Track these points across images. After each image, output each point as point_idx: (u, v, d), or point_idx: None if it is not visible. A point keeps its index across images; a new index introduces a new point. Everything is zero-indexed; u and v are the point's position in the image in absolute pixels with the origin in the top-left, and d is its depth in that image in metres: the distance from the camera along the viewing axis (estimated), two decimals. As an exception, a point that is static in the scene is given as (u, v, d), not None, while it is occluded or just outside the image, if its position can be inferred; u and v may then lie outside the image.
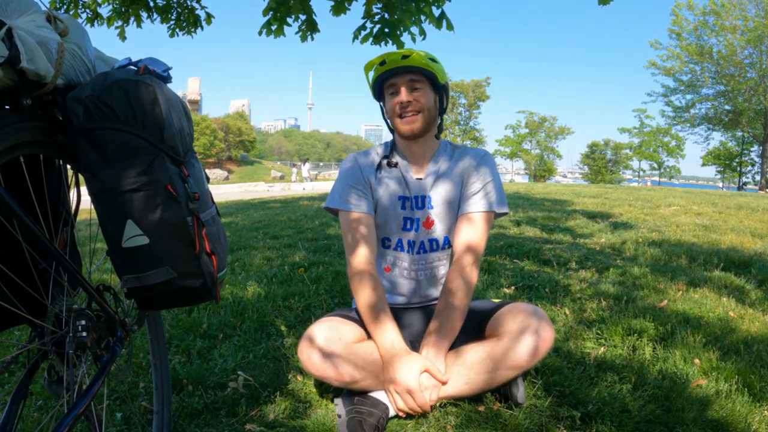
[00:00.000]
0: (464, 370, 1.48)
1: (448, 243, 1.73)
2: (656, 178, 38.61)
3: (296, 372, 1.74)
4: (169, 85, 1.04)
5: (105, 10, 4.59)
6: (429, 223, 1.72)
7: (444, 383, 1.46)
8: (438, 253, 1.74)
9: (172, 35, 4.67)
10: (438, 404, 1.48)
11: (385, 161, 1.74)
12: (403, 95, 1.65)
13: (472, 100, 40.04)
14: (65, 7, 4.49)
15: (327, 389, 1.63)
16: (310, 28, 3.56)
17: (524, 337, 1.48)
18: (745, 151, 32.26)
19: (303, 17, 3.51)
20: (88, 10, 4.56)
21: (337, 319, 1.58)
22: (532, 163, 41.42)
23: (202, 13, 4.70)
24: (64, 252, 1.01)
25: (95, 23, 4.61)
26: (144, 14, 4.54)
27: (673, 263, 3.43)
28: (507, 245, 3.86)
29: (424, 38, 3.54)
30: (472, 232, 1.66)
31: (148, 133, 0.94)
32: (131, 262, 0.95)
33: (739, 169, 32.88)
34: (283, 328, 2.19)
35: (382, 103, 1.76)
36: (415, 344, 1.65)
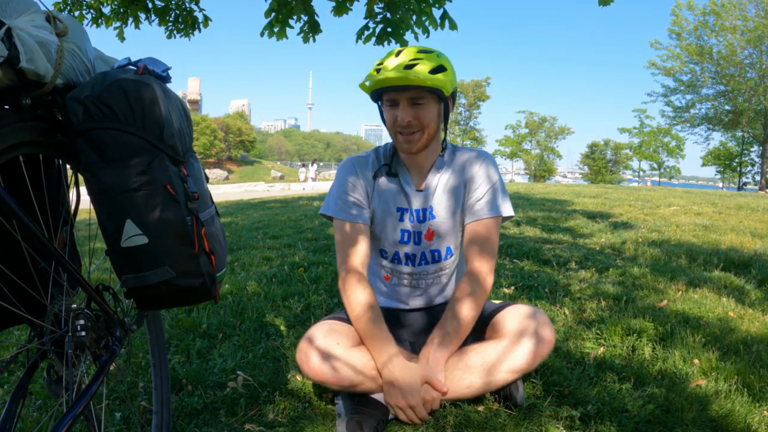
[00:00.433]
0: (465, 374, 1.46)
1: (450, 253, 1.69)
2: (656, 178, 38.62)
3: (296, 372, 1.74)
4: (168, 85, 1.04)
5: (105, 11, 4.59)
6: (430, 235, 1.66)
7: (445, 393, 1.43)
8: (440, 264, 1.69)
9: (169, 37, 4.67)
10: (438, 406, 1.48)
11: (384, 169, 1.66)
12: (403, 114, 1.52)
13: (472, 100, 40.07)
14: (69, 7, 4.49)
15: (326, 389, 1.63)
16: (312, 28, 3.56)
17: (525, 340, 1.47)
18: (745, 152, 32.27)
19: (305, 18, 3.51)
20: (92, 11, 4.56)
21: (334, 322, 1.55)
22: (532, 163, 41.44)
23: (200, 15, 4.70)
24: (63, 252, 1.01)
25: (100, 23, 4.61)
26: (142, 16, 4.54)
27: (672, 263, 3.43)
28: (507, 245, 3.86)
29: (427, 36, 3.55)
30: (483, 240, 1.59)
31: (147, 132, 0.94)
32: (130, 262, 0.95)
33: (739, 169, 32.89)
34: (282, 328, 2.19)
35: (380, 105, 1.61)
36: (414, 345, 1.64)
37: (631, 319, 2.17)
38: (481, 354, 1.48)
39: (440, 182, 1.64)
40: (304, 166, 29.88)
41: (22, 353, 1.00)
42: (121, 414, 1.47)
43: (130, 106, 0.92)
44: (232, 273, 3.14)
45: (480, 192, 1.62)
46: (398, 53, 1.53)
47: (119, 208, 0.92)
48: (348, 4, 3.37)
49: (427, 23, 3.47)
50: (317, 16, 3.51)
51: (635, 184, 30.15)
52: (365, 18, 3.39)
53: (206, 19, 4.76)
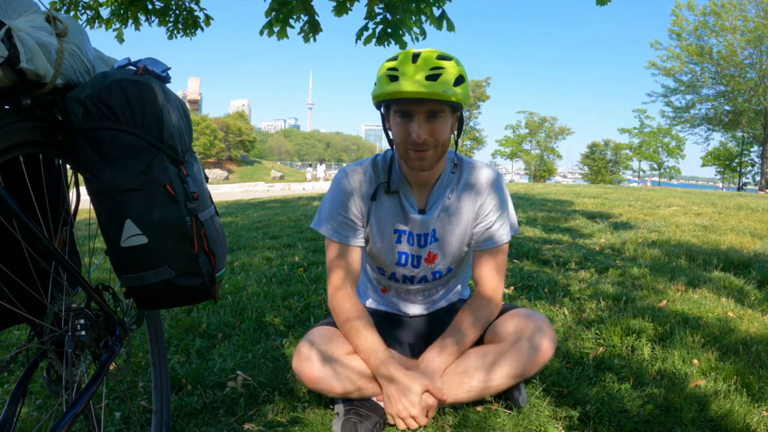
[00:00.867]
0: (464, 379, 1.46)
1: (450, 271, 1.67)
2: (656, 179, 38.63)
3: (295, 372, 1.74)
4: (168, 85, 1.04)
5: (104, 12, 4.60)
6: (432, 258, 1.60)
7: (444, 401, 1.42)
8: (441, 280, 1.68)
9: (170, 37, 4.67)
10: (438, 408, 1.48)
11: (383, 187, 1.53)
12: (419, 130, 1.35)
13: (472, 100, 40.07)
14: (65, 8, 4.49)
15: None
16: (312, 28, 3.57)
17: (524, 345, 1.47)
18: (745, 152, 32.28)
19: (305, 18, 3.52)
20: (88, 11, 4.56)
21: (331, 329, 1.54)
22: (532, 163, 41.46)
23: (200, 15, 4.70)
24: (63, 251, 1.01)
25: (95, 24, 4.60)
26: (142, 18, 4.54)
27: (672, 264, 3.43)
28: (506, 245, 3.86)
29: (424, 38, 3.55)
30: (495, 265, 1.56)
31: (147, 132, 0.94)
32: (130, 262, 0.95)
33: (739, 169, 32.89)
34: (282, 327, 2.19)
35: (383, 112, 1.46)
36: (414, 348, 1.64)
37: (631, 319, 2.17)
38: (481, 359, 1.48)
39: (445, 204, 1.55)
40: (311, 165, 29.83)
41: (22, 353, 1.01)
42: (121, 413, 1.48)
43: (129, 107, 0.93)
44: (232, 273, 3.14)
45: (491, 220, 1.55)
46: (415, 58, 1.34)
47: (119, 208, 0.92)
48: (348, 4, 3.38)
49: (428, 23, 3.47)
50: (317, 15, 3.52)
51: (635, 185, 30.14)
52: (365, 18, 3.39)
53: (207, 18, 4.76)
